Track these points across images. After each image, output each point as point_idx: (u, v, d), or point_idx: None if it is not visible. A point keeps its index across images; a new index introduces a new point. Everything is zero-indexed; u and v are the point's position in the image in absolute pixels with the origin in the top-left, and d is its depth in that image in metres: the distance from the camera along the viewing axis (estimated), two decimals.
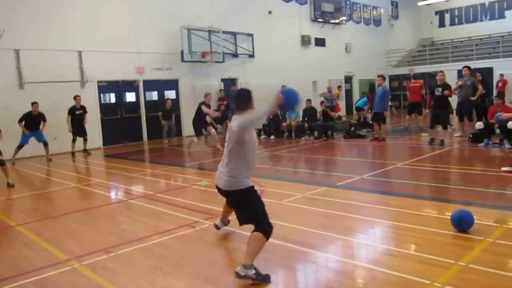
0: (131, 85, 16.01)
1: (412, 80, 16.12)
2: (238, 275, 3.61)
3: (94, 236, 5.24)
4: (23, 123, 12.04)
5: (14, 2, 12.85)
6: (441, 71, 11.50)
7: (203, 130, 12.70)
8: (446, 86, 10.76)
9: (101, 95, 15.33)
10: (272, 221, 3.99)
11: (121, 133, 15.74)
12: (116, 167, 10.88)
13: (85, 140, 13.49)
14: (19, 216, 6.44)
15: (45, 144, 12.50)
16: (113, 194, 8.09)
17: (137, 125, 16.15)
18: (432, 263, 3.82)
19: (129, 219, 5.94)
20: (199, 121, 12.50)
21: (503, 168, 7.50)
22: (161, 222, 5.62)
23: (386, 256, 4.15)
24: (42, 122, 12.34)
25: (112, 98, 15.89)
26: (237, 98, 4.06)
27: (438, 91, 10.77)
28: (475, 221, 4.57)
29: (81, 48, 14.26)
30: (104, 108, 15.33)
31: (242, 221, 4.18)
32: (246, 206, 4.02)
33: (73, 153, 13.19)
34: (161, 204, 6.56)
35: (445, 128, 11.03)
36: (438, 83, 10.98)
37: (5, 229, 5.80)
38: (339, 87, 20.64)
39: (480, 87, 11.84)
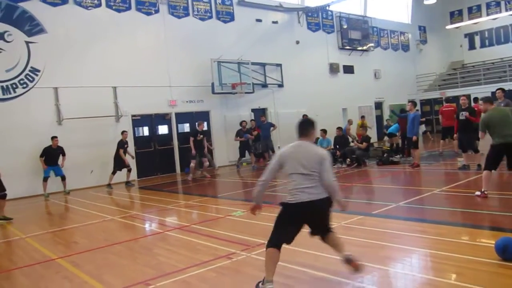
0: (163, 118, 16.40)
1: (445, 104, 15.88)
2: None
3: (133, 269, 5.31)
4: (43, 158, 12.52)
5: (52, 42, 13.53)
6: (463, 95, 11.63)
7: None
8: (470, 110, 10.65)
9: (135, 128, 15.74)
10: (309, 251, 3.96)
11: (155, 165, 16.04)
12: (151, 199, 11.05)
13: (129, 171, 13.86)
14: (60, 249, 6.61)
15: (63, 178, 12.88)
16: (149, 226, 8.21)
17: (170, 157, 16.44)
18: None
19: (166, 251, 6.00)
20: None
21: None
22: (198, 253, 5.65)
23: (426, 286, 4.04)
24: (61, 156, 12.77)
25: (145, 131, 16.29)
26: (303, 125, 4.47)
27: (462, 115, 10.74)
28: None
29: (115, 84, 14.79)
30: (138, 141, 15.71)
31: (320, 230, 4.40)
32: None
33: (109, 184, 13.56)
34: (196, 236, 6.60)
35: (476, 152, 10.81)
36: (462, 107, 10.96)
37: (46, 262, 5.95)
38: (362, 117, 20.37)
39: None
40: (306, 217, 4.26)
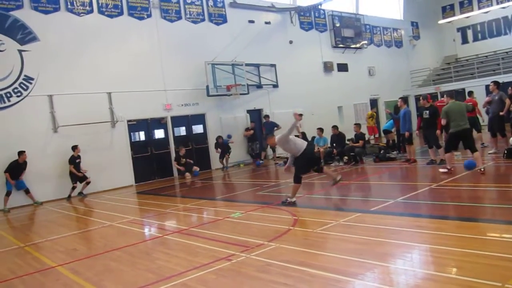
0: (159, 122, 16.38)
1: (440, 99, 15.91)
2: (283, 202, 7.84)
3: (133, 274, 5.30)
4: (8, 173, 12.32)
5: (44, 49, 13.48)
6: (428, 94, 12.47)
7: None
8: (433, 109, 11.14)
9: (131, 133, 15.71)
10: (308, 250, 3.96)
11: (152, 170, 16.01)
12: (148, 204, 11.03)
13: (87, 183, 13.74)
14: (59, 257, 6.58)
15: (27, 191, 12.73)
16: (147, 231, 8.19)
17: (167, 160, 16.40)
18: (477, 287, 3.69)
19: (165, 255, 5.99)
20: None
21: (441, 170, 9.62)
22: (197, 256, 5.64)
23: (427, 281, 4.04)
24: (23, 171, 12.61)
25: (141, 135, 16.25)
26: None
27: (426, 114, 11.15)
28: None
29: (110, 90, 14.74)
30: (135, 146, 15.67)
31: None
32: None
33: (69, 196, 13.43)
34: (195, 239, 6.60)
35: (438, 147, 11.22)
36: (425, 106, 11.42)
37: (45, 270, 5.92)
38: (373, 109, 20.64)
39: (507, 101, 11.54)
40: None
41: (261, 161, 17.12)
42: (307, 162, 8.33)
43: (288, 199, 8.26)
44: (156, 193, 12.78)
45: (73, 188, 13.46)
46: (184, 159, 15.33)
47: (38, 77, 13.31)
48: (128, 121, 15.40)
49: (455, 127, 9.19)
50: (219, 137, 16.86)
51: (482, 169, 8.94)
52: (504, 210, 6.36)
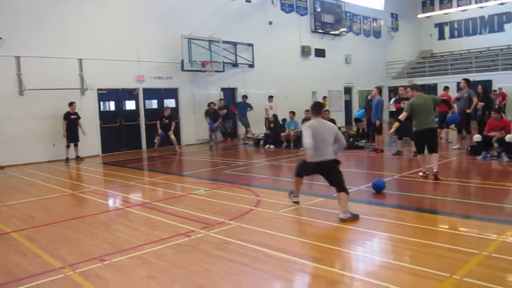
0: (130, 94, 16.05)
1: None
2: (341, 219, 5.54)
3: (89, 244, 5.22)
4: None
5: (15, 10, 12.93)
6: (401, 86, 12.44)
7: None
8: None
9: (101, 103, 15.35)
10: (268, 231, 3.97)
11: (120, 141, 15.74)
12: (113, 175, 10.86)
13: (76, 146, 13.68)
14: (15, 223, 6.41)
15: None
16: (109, 202, 8.07)
17: (136, 133, 16.16)
18: (427, 276, 3.79)
19: (124, 227, 5.92)
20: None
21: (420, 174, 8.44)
22: (157, 230, 5.59)
23: (382, 269, 4.12)
24: None
25: (111, 106, 15.91)
26: (316, 106, 6.41)
27: (404, 103, 10.94)
28: (473, 234, 4.55)
29: (81, 56, 14.31)
30: (104, 116, 15.35)
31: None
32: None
33: (67, 159, 13.42)
34: (157, 213, 6.54)
35: (412, 139, 11.13)
36: (400, 96, 11.74)
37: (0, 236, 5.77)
38: (324, 97, 20.75)
39: (475, 99, 11.81)
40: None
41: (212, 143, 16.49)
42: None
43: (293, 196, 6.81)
44: (123, 164, 12.60)
45: (67, 147, 13.49)
46: (166, 120, 14.86)
47: (6, 37, 12.74)
48: (98, 89, 15.02)
49: (418, 125, 8.10)
50: (211, 103, 16.54)
51: (435, 171, 7.97)
52: (461, 204, 6.56)
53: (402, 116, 8.26)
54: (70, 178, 11.11)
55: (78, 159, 13.71)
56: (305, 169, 6.39)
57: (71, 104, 13.55)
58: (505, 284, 3.66)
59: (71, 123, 13.49)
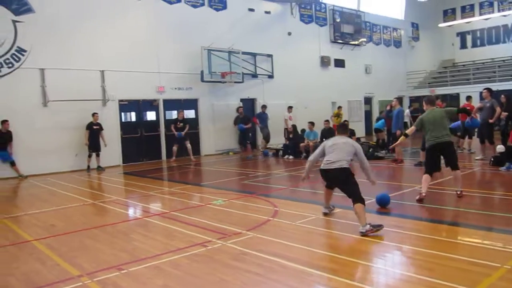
0: (151, 104, 16.27)
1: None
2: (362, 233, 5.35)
3: (108, 253, 5.28)
4: None
5: (39, 22, 13.29)
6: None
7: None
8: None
9: (122, 113, 15.61)
10: (284, 242, 3.96)
11: (141, 151, 15.93)
12: (134, 185, 10.99)
13: (98, 155, 13.94)
14: (36, 231, 6.54)
15: (12, 164, 12.65)
16: (129, 212, 8.17)
17: (157, 143, 16.34)
18: None
19: (142, 237, 5.97)
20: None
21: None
22: (174, 240, 5.63)
23: (399, 282, 4.06)
24: (7, 141, 12.52)
25: (132, 116, 16.15)
26: (342, 127, 6.84)
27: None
28: (495, 247, 4.45)
29: (103, 68, 14.61)
30: (125, 126, 15.58)
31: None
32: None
33: (88, 168, 13.75)
34: (175, 223, 6.58)
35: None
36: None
37: (21, 244, 5.89)
38: (339, 107, 20.54)
39: (498, 109, 11.57)
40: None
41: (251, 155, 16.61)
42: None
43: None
44: (143, 175, 12.73)
45: (89, 156, 13.84)
46: (181, 124, 15.41)
47: (31, 50, 13.13)
48: (120, 100, 15.28)
49: (429, 140, 7.43)
50: (240, 108, 17.09)
51: (459, 192, 7.44)
52: (483, 216, 6.40)
53: (410, 131, 7.74)
54: (91, 188, 11.28)
55: (100, 169, 13.93)
56: (324, 179, 6.38)
57: (93, 114, 13.87)
58: None
59: (93, 133, 13.78)
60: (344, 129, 6.74)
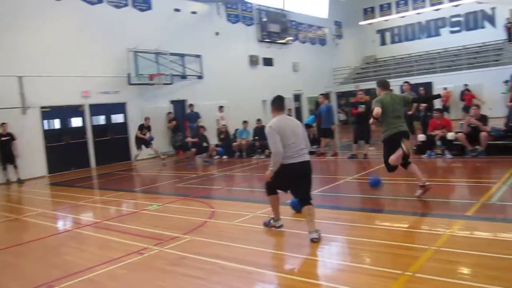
0: (76, 110, 15.52)
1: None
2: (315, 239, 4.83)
3: (36, 270, 4.95)
4: None
5: None
6: (361, 90, 12.78)
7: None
8: (368, 105, 11.27)
9: (45, 121, 14.73)
10: (223, 243, 3.92)
11: (67, 160, 15.09)
12: (61, 196, 10.42)
13: (15, 167, 13.09)
14: None
15: None
16: (58, 224, 7.71)
17: (84, 150, 15.60)
18: (382, 275, 3.86)
19: (74, 249, 5.67)
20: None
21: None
22: (108, 250, 5.39)
23: (338, 272, 4.17)
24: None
25: (56, 124, 15.30)
26: (277, 101, 5.49)
27: (361, 107, 11.52)
28: (423, 231, 4.68)
29: (21, 73, 13.68)
30: (49, 135, 14.71)
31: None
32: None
33: (7, 181, 12.96)
34: (109, 232, 6.31)
35: (367, 143, 11.69)
36: (360, 101, 11.82)
37: None
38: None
39: None
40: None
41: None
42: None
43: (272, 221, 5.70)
44: (71, 184, 12.12)
45: (4, 169, 13.11)
46: (147, 131, 15.35)
47: None
48: (42, 107, 14.41)
49: (394, 127, 6.50)
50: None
51: (427, 184, 6.55)
52: (410, 202, 6.73)
53: (377, 113, 6.37)
54: (13, 202, 10.56)
55: (20, 182, 13.02)
56: (280, 181, 5.22)
57: (1, 125, 12.86)
58: (454, 276, 3.78)
59: (3, 144, 12.81)
60: (280, 103, 5.43)
